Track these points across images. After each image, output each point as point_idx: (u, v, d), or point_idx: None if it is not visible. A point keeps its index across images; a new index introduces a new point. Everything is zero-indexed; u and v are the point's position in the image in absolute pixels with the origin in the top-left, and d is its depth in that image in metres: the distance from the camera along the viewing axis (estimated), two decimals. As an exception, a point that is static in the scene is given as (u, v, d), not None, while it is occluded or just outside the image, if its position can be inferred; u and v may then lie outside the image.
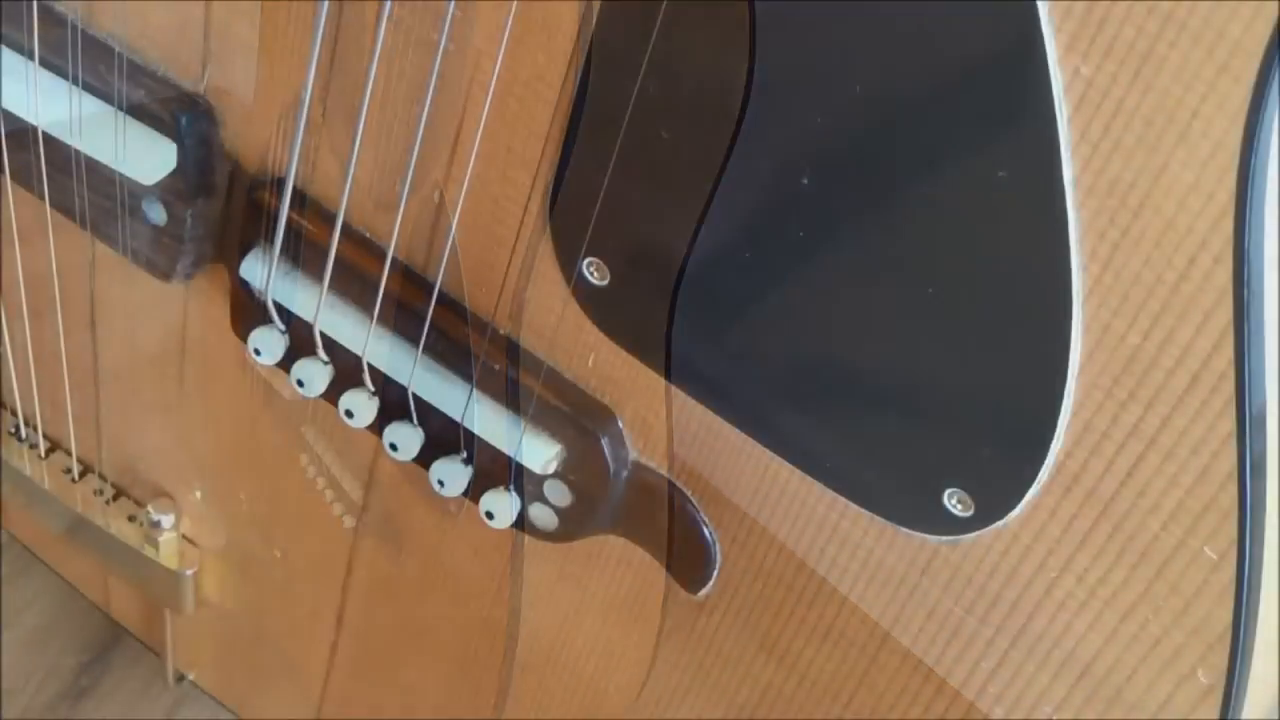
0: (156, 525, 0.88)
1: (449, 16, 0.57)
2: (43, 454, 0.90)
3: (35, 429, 0.89)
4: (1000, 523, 0.55)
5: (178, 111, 0.67)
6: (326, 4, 0.58)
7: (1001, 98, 0.48)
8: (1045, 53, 0.46)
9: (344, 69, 0.61)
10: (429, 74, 0.58)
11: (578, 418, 0.64)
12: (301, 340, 0.69)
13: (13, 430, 0.89)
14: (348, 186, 0.63)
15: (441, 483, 0.67)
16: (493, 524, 0.67)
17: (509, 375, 0.64)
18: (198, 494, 0.87)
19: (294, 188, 0.65)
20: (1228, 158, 0.45)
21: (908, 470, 0.56)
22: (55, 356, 0.84)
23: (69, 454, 0.89)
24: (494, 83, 0.57)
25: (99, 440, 0.88)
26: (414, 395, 0.66)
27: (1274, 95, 0.44)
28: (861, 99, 0.50)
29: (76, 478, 0.90)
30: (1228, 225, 0.46)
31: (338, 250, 0.65)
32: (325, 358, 0.69)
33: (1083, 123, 0.47)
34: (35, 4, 0.67)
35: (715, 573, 0.65)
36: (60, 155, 0.70)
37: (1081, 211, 0.48)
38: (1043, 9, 0.45)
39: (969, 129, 0.49)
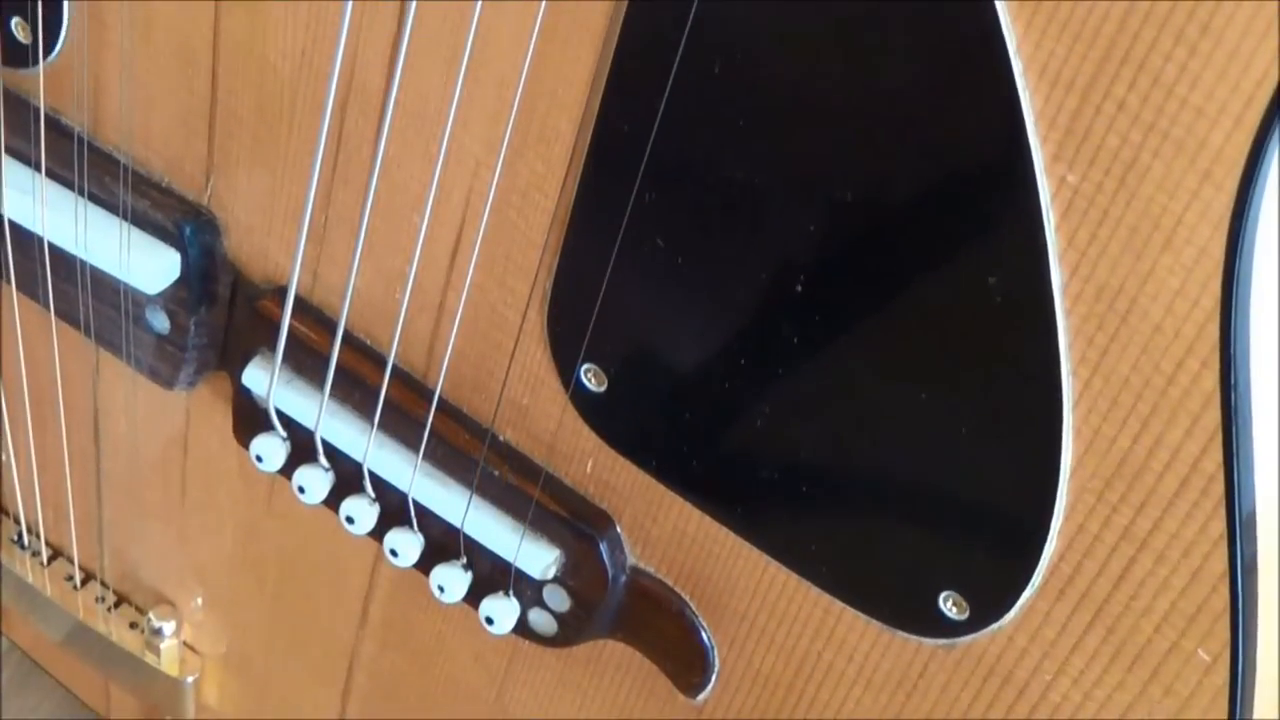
0: (158, 633, 0.88)
1: (449, 129, 0.58)
2: (44, 561, 0.90)
3: (38, 536, 0.89)
4: (995, 626, 0.55)
5: (182, 221, 0.68)
6: (329, 116, 0.59)
7: (991, 206, 0.49)
8: (1032, 162, 0.47)
9: (345, 179, 0.62)
10: (429, 185, 0.59)
11: (576, 523, 0.64)
12: (303, 447, 0.69)
13: (15, 538, 0.90)
14: (348, 295, 0.64)
15: (441, 588, 0.68)
16: (492, 630, 0.67)
17: (508, 481, 0.65)
18: (199, 600, 0.87)
19: (296, 296, 0.65)
20: (1213, 264, 0.46)
21: (903, 574, 0.56)
22: (58, 463, 0.84)
23: (71, 561, 0.89)
24: (493, 192, 0.58)
25: (101, 547, 0.88)
26: (414, 501, 0.67)
27: (1256, 203, 0.44)
28: (853, 207, 0.50)
29: (78, 585, 0.90)
30: (1214, 330, 0.47)
31: (339, 358, 0.65)
32: (326, 464, 0.69)
33: (1070, 230, 0.47)
34: (43, 116, 0.68)
35: (714, 677, 0.65)
36: (65, 265, 0.71)
37: (1070, 317, 0.49)
38: (1029, 119, 0.46)
39: (959, 236, 0.50)
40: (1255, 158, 0.44)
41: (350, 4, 0.56)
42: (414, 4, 0.56)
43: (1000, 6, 0.45)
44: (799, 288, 0.53)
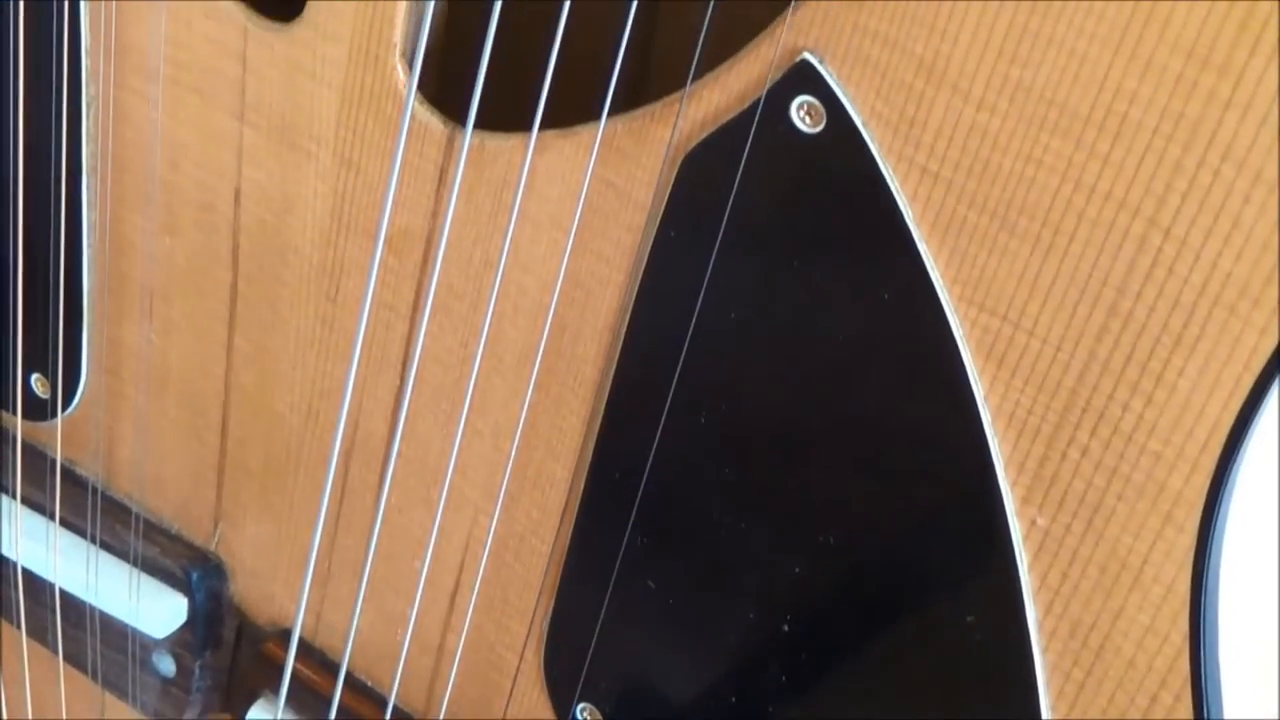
0: None
1: (449, 477, 0.60)
2: None
3: None
4: None
5: (189, 567, 0.70)
6: (334, 466, 0.62)
7: (965, 547, 0.51)
8: (1004, 505, 0.49)
9: (349, 526, 0.65)
10: (430, 531, 0.62)
11: None
12: (304, 788, 0.70)
13: None
14: (351, 638, 0.65)
15: None
16: None
17: (506, 820, 0.66)
18: None
19: (300, 639, 0.67)
20: (1180, 600, 0.48)
21: None
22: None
23: None
24: (491, 537, 0.61)
25: None
26: (414, 842, 0.67)
27: (1218, 542, 0.47)
28: (836, 551, 0.53)
29: None
30: (1184, 664, 0.48)
31: (341, 699, 0.67)
32: (327, 805, 0.70)
33: (1042, 570, 0.50)
34: (58, 467, 0.71)
35: None
36: (75, 610, 0.73)
37: (1047, 654, 0.50)
38: (999, 464, 0.49)
39: (937, 577, 0.52)
40: (1213, 499, 0.46)
41: (356, 362, 0.59)
42: (415, 363, 0.59)
43: (968, 361, 0.48)
44: (786, 627, 0.54)
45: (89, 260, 0.65)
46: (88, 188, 0.63)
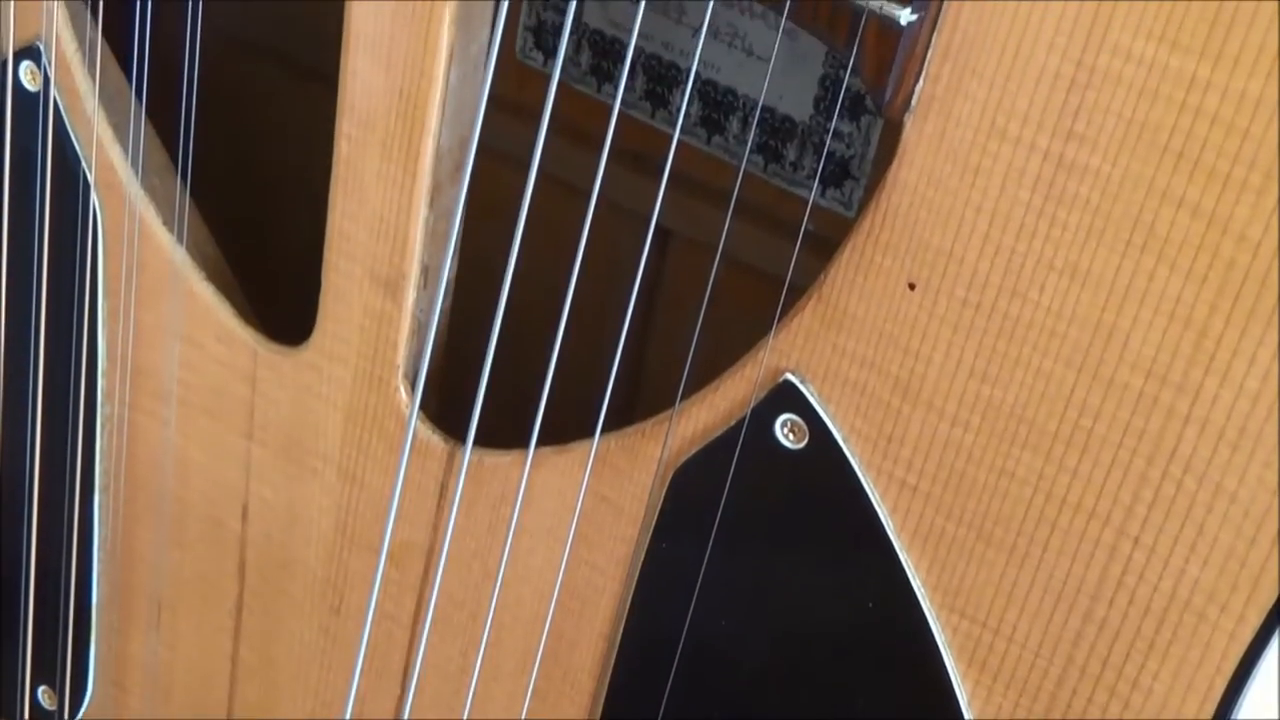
0: None
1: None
2: None
3: None
4: None
5: None
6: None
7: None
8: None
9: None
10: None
11: None
12: None
13: None
14: None
15: None
16: None
17: None
18: None
19: None
20: None
21: None
22: None
23: None
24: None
25: None
26: None
27: None
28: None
29: None
30: None
31: None
32: None
33: None
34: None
35: None
36: None
37: None
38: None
39: None
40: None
41: (358, 673, 0.61)
42: (416, 672, 0.60)
43: (951, 665, 0.50)
44: None
45: (99, 573, 0.67)
46: (100, 505, 0.65)
